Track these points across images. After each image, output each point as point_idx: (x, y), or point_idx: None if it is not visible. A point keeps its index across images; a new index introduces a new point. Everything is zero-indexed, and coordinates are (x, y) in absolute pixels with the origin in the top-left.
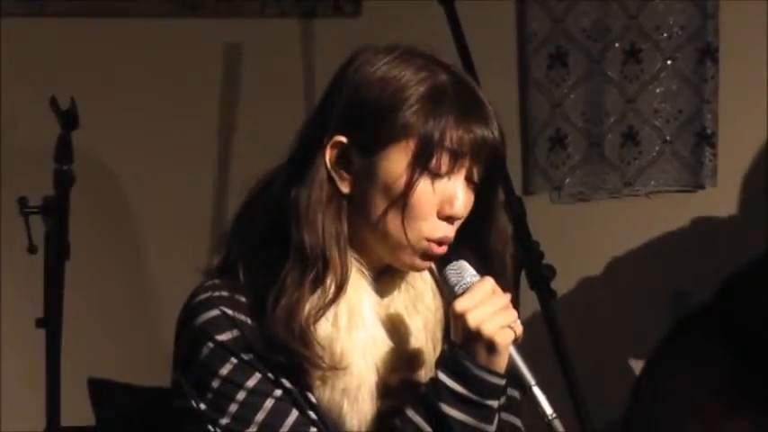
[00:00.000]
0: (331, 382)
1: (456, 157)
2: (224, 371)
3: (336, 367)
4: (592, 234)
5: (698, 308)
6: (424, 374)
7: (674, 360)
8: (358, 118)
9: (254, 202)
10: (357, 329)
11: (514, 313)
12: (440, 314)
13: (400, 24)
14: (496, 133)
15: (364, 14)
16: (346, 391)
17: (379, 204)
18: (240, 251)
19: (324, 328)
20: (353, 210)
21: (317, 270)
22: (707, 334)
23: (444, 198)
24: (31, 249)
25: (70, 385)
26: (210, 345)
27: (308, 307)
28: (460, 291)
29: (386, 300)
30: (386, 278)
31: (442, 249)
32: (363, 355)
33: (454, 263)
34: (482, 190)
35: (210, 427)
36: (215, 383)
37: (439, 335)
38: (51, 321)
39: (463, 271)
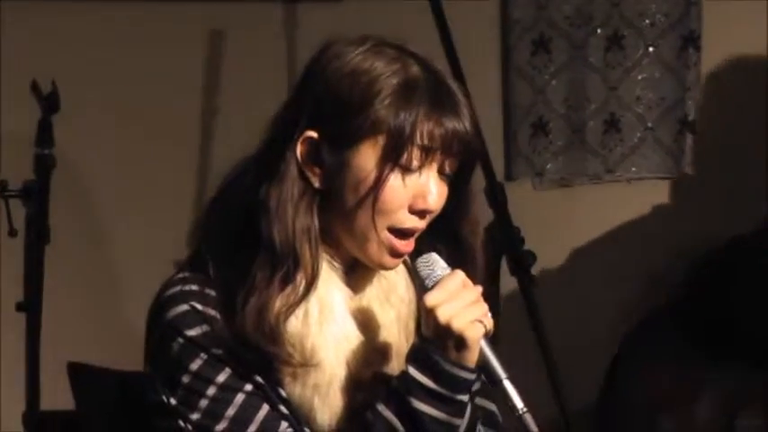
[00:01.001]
0: (302, 379)
1: (427, 151)
2: (194, 366)
3: (307, 363)
4: (573, 220)
5: (669, 297)
6: (397, 367)
7: (645, 350)
8: (329, 113)
9: (224, 196)
10: (328, 325)
11: (485, 307)
12: (413, 305)
13: (383, 11)
14: (468, 124)
15: (347, 0)
16: (317, 387)
17: (350, 199)
18: (210, 247)
19: (294, 325)
20: (325, 204)
21: (288, 268)
22: (677, 324)
23: (417, 192)
24: (11, 233)
25: (50, 369)
26: (180, 340)
27: (277, 305)
28: (431, 284)
29: (358, 293)
30: (358, 272)
31: (408, 247)
32: (335, 351)
33: (425, 255)
34: (455, 180)
35: (181, 422)
36: (185, 379)
37: (412, 326)
38: (31, 305)
39: (434, 264)
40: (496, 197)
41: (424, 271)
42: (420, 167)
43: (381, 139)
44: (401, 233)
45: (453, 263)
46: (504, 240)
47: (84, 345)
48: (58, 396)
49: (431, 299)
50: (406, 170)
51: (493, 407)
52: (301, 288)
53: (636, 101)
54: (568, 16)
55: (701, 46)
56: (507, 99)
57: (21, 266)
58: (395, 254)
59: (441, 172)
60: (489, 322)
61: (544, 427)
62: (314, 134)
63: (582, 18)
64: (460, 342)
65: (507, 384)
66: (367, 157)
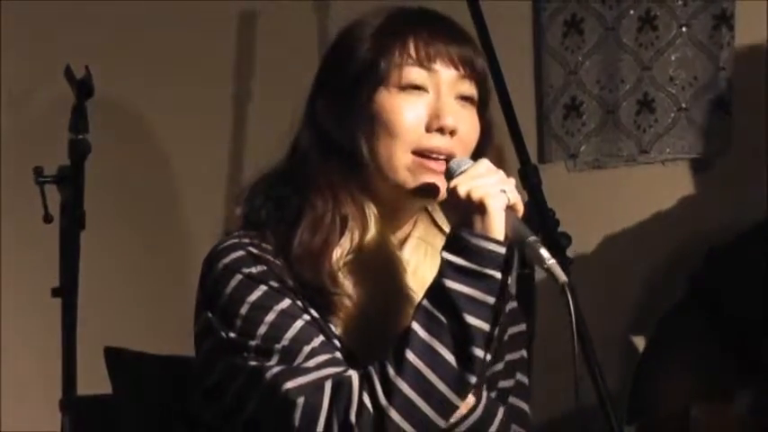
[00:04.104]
0: (346, 326)
1: (427, 68)
2: (253, 297)
3: (354, 319)
4: (607, 202)
5: (688, 289)
6: None
7: (680, 335)
8: (328, 73)
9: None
10: (378, 281)
11: (510, 181)
12: None
13: None
14: (462, 39)
15: None
16: (361, 338)
17: (369, 138)
18: (262, 201)
19: (345, 279)
20: (353, 161)
21: (340, 216)
22: (701, 315)
23: (432, 113)
24: (47, 219)
25: (86, 354)
26: (239, 276)
27: (337, 251)
28: (457, 174)
29: (406, 253)
30: (406, 240)
31: (440, 165)
32: (383, 306)
33: (459, 157)
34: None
35: (243, 352)
36: (244, 310)
37: None
38: (67, 291)
39: (464, 162)
40: (530, 179)
41: (452, 167)
42: (428, 87)
43: (376, 68)
44: (428, 155)
45: None
46: (539, 222)
47: (121, 329)
48: (94, 381)
49: (454, 181)
50: (411, 89)
51: (526, 407)
52: (356, 236)
53: (669, 81)
54: None
55: (734, 25)
56: (540, 80)
57: (56, 252)
58: (429, 170)
59: (461, 97)
60: (514, 195)
61: (580, 407)
62: (322, 99)
63: None
64: (482, 211)
65: (533, 240)
66: (369, 93)
